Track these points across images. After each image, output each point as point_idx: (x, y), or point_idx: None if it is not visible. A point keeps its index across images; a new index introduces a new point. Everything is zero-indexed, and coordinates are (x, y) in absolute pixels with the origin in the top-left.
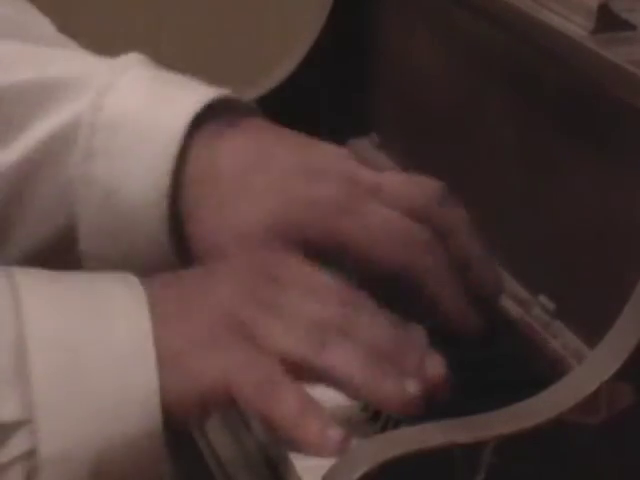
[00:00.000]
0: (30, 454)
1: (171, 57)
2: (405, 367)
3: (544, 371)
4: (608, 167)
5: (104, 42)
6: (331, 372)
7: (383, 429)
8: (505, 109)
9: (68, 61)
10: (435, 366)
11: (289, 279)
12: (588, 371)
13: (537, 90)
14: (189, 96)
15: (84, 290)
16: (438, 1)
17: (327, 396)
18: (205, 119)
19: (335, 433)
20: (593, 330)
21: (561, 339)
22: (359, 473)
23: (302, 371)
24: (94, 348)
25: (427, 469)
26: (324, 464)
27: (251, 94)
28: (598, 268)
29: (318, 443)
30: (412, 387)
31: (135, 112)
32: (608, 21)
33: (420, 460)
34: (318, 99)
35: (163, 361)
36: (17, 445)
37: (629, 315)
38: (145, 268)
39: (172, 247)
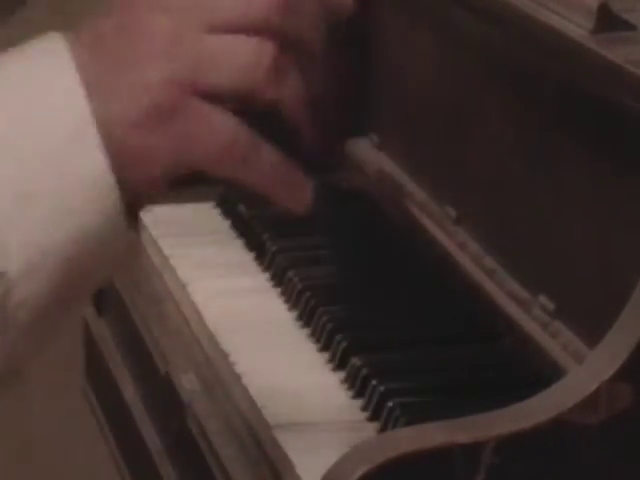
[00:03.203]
0: (1, 275)
1: None
2: None
3: (544, 371)
4: (608, 167)
5: None
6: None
7: (383, 429)
8: (505, 109)
9: None
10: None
11: None
12: (588, 371)
13: (537, 90)
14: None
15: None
16: (438, 1)
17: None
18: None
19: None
20: (593, 330)
21: (561, 339)
22: (359, 473)
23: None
24: (37, 142)
25: (427, 469)
26: (324, 464)
27: None
28: (598, 268)
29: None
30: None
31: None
32: (608, 21)
33: (420, 460)
34: None
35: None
36: None
37: (629, 315)
38: None
39: None
